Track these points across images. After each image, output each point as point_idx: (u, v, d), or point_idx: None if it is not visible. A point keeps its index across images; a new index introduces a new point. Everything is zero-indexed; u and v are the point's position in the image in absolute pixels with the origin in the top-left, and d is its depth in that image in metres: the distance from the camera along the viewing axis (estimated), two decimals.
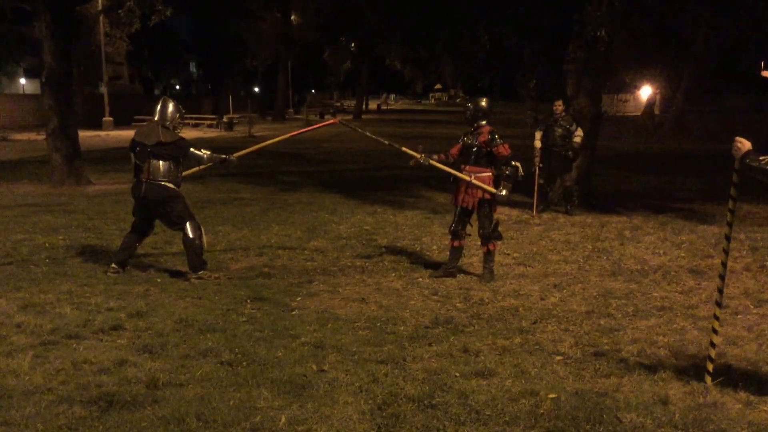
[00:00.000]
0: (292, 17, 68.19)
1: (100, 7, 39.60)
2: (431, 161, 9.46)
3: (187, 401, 5.44)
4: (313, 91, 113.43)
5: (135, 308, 7.77)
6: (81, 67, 46.51)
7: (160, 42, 73.33)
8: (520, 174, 9.19)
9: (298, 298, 8.39)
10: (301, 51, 70.44)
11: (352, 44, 74.93)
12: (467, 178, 9.23)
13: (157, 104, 9.48)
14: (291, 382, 5.82)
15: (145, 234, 9.69)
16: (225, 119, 50.20)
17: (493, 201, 9.32)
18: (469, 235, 9.68)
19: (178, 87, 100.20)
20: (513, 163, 9.10)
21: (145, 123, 9.75)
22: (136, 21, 29.45)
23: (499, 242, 9.62)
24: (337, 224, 13.15)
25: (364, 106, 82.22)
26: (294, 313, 7.83)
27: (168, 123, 9.30)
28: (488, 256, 9.44)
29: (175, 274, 9.42)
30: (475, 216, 9.49)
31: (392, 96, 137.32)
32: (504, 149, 9.15)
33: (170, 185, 9.14)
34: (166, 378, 5.86)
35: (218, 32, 68.52)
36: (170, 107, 9.41)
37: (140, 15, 27.57)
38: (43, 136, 20.69)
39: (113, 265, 9.32)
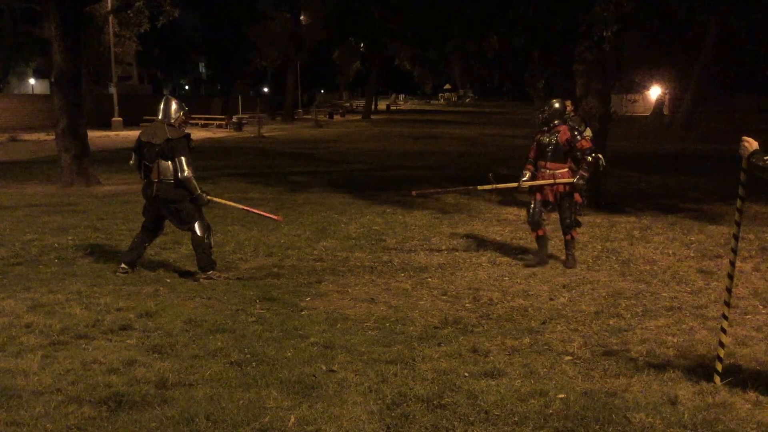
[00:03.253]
0: (302, 17, 68.30)
1: (109, 8, 39.72)
2: (526, 183, 10.19)
3: (196, 401, 5.44)
4: (322, 91, 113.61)
5: (144, 308, 7.78)
6: (90, 68, 46.63)
7: (169, 42, 73.38)
8: (602, 163, 10.42)
9: (308, 299, 8.40)
10: (310, 51, 70.57)
11: (362, 44, 75.03)
12: (551, 182, 9.95)
13: (160, 103, 9.47)
14: (300, 382, 5.82)
15: (155, 234, 9.69)
16: (234, 119, 50.32)
17: (573, 193, 10.02)
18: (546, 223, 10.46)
19: (187, 87, 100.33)
20: (595, 154, 10.01)
21: (149, 124, 9.72)
22: (145, 21, 29.57)
23: (579, 229, 10.48)
24: (347, 224, 13.16)
25: (373, 107, 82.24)
26: (303, 313, 7.84)
27: (173, 121, 9.29)
28: (570, 243, 10.20)
29: (185, 274, 9.44)
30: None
31: (401, 96, 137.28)
32: (587, 142, 9.94)
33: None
34: (176, 378, 5.87)
35: (227, 32, 68.56)
36: (173, 105, 9.40)
37: (149, 15, 27.67)
38: (53, 137, 20.76)
39: (123, 265, 9.33)
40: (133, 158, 9.42)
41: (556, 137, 9.95)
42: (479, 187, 10.99)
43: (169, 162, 9.04)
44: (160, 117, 9.32)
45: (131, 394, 5.54)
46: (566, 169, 9.97)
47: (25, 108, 50.85)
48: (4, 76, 64.02)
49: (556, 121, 10.03)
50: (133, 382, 5.80)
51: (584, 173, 9.87)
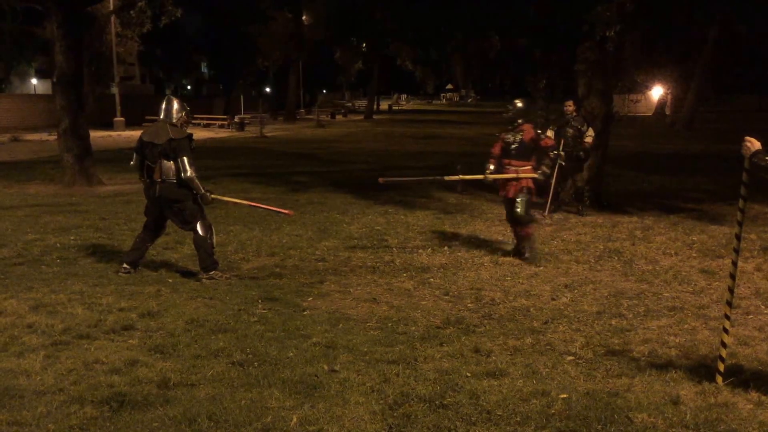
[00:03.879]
0: (304, 17, 68.30)
1: (111, 8, 39.74)
2: (495, 176, 10.48)
3: (198, 401, 5.45)
4: (324, 91, 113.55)
5: (146, 308, 7.79)
6: (92, 68, 46.66)
7: (171, 42, 73.34)
8: (560, 161, 10.82)
9: (310, 299, 8.40)
10: (312, 51, 70.56)
11: (364, 44, 75.00)
12: (515, 176, 10.27)
13: (162, 103, 9.47)
14: (302, 382, 5.83)
15: (157, 234, 9.69)
16: (236, 119, 50.31)
17: (531, 190, 10.36)
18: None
19: (189, 87, 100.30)
20: (556, 152, 10.44)
21: (151, 123, 9.70)
22: (147, 21, 29.54)
23: (534, 224, 10.88)
24: (349, 224, 13.15)
25: (375, 107, 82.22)
26: (305, 313, 7.84)
27: (175, 121, 9.28)
28: (526, 239, 10.44)
29: (187, 274, 9.43)
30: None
31: (404, 96, 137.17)
32: (549, 140, 10.54)
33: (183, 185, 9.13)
34: (178, 378, 5.88)
35: (229, 32, 68.61)
36: (176, 105, 9.39)
37: (151, 15, 27.66)
38: (55, 137, 20.76)
39: (125, 265, 9.33)
40: (134, 158, 9.40)
41: (521, 136, 10.30)
42: (446, 177, 11.12)
43: (172, 162, 9.03)
44: (162, 117, 9.31)
45: (133, 394, 5.55)
46: (530, 167, 10.33)
47: (27, 108, 50.86)
48: (6, 76, 64.14)
49: (519, 120, 10.41)
50: (135, 382, 5.82)
51: (546, 169, 10.36)
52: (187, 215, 9.20)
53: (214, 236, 9.48)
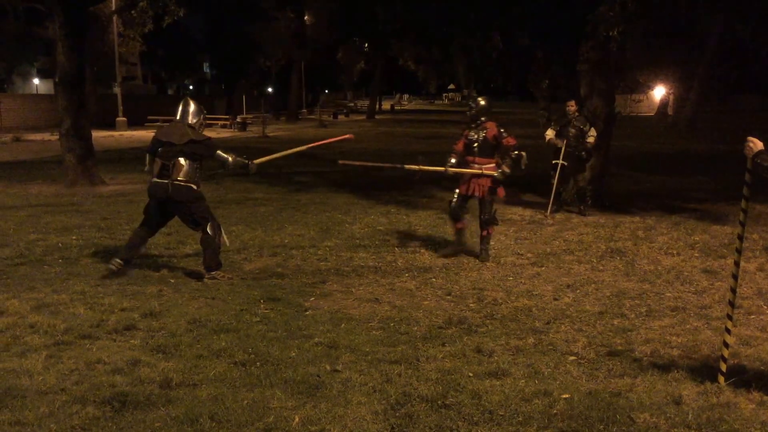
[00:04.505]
0: (306, 17, 68.29)
1: (113, 8, 39.73)
2: (456, 170, 10.46)
3: (200, 401, 5.45)
4: (326, 91, 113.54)
5: (148, 308, 7.78)
6: (95, 68, 46.70)
7: (173, 42, 73.43)
8: (524, 162, 10.33)
9: (312, 299, 8.40)
10: (314, 51, 70.55)
11: (366, 44, 74.97)
12: (479, 172, 10.27)
13: (179, 104, 9.43)
14: (304, 382, 5.83)
15: (154, 232, 9.63)
16: (238, 119, 50.27)
17: (496, 190, 10.36)
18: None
19: (191, 87, 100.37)
20: (520, 152, 10.26)
21: (165, 123, 9.64)
22: (149, 21, 29.50)
23: (495, 227, 10.82)
24: (351, 224, 13.15)
25: (377, 107, 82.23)
26: (307, 313, 7.84)
27: (194, 123, 9.26)
28: (486, 239, 10.55)
29: (189, 274, 9.42)
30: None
31: (406, 96, 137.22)
32: (512, 140, 10.31)
33: (194, 186, 9.08)
34: (180, 378, 5.88)
35: (232, 32, 68.58)
36: (194, 107, 9.36)
37: (153, 15, 27.62)
38: (57, 137, 20.75)
39: (117, 260, 9.15)
40: (148, 161, 9.34)
41: (484, 133, 10.36)
42: (406, 166, 11.16)
43: (186, 162, 8.99)
44: (178, 117, 9.28)
45: (135, 394, 5.55)
46: (493, 165, 10.34)
47: (29, 108, 50.84)
48: (8, 76, 64.17)
49: (483, 118, 10.46)
50: (137, 382, 5.82)
51: (506, 168, 10.23)
52: (197, 217, 9.15)
53: (224, 235, 9.46)
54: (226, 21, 69.12)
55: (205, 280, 9.06)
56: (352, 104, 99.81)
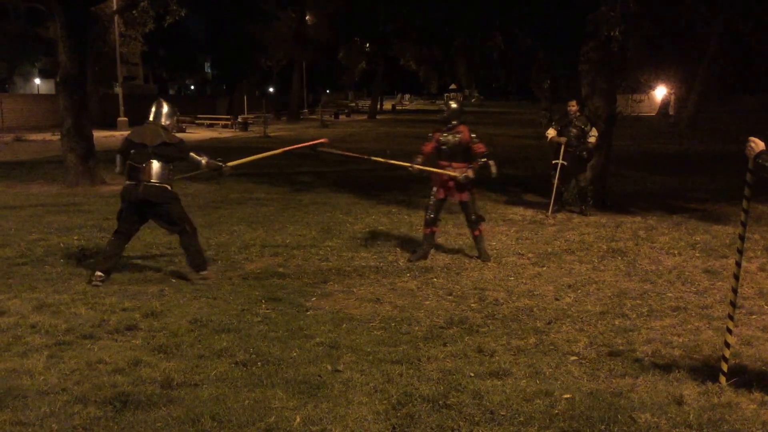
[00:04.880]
0: (307, 17, 68.28)
1: (115, 8, 39.76)
2: (421, 167, 10.36)
3: (201, 401, 5.45)
4: (327, 91, 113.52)
5: (149, 308, 7.79)
6: (96, 68, 46.68)
7: (174, 42, 73.36)
8: (493, 171, 10.40)
9: (313, 299, 8.40)
10: (315, 51, 70.54)
11: (367, 44, 74.94)
12: (443, 172, 10.30)
13: (152, 106, 9.28)
14: (305, 382, 5.83)
15: (130, 237, 9.36)
16: (240, 119, 50.29)
17: (472, 191, 10.44)
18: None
19: (192, 87, 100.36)
20: (486, 159, 10.28)
21: (139, 126, 9.40)
22: (150, 21, 29.53)
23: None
24: (352, 224, 13.15)
25: (378, 107, 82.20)
26: (309, 313, 7.84)
27: (167, 124, 9.13)
28: (479, 238, 10.60)
29: (191, 274, 9.38)
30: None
31: (407, 96, 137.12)
32: (482, 147, 10.31)
33: (168, 187, 8.92)
34: (181, 378, 5.88)
35: (233, 32, 68.56)
36: (167, 108, 9.21)
37: (155, 15, 27.65)
38: (58, 137, 20.74)
39: (98, 274, 8.90)
40: (118, 161, 9.18)
41: (458, 137, 10.31)
42: (372, 158, 11.36)
43: (159, 164, 8.84)
44: (151, 118, 9.13)
45: (136, 394, 5.56)
46: (464, 168, 10.29)
47: (30, 108, 50.86)
48: (9, 77, 64.10)
49: (455, 122, 10.38)
50: (138, 382, 5.82)
51: (470, 174, 10.18)
52: (174, 218, 9.02)
53: (199, 237, 9.36)
54: (227, 21, 69.09)
55: (197, 281, 8.99)
56: (353, 104, 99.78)
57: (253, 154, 10.78)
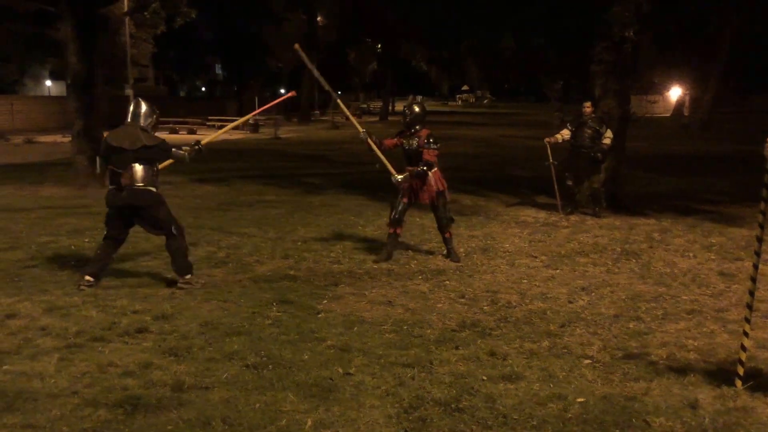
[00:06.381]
0: (317, 18, 68.33)
1: (125, 9, 39.84)
2: (370, 141, 10.50)
3: (212, 404, 5.43)
4: (338, 92, 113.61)
5: (160, 311, 7.77)
6: (106, 69, 46.75)
7: (185, 44, 73.53)
8: (401, 177, 10.41)
9: (324, 301, 8.36)
10: (326, 52, 70.57)
11: (378, 45, 74.99)
12: (386, 164, 10.41)
13: (130, 105, 9.04)
14: (317, 385, 5.80)
15: (120, 242, 9.23)
16: (250, 121, 50.25)
17: (444, 194, 10.46)
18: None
19: (203, 89, 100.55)
20: (426, 168, 10.27)
21: (117, 128, 9.21)
22: (161, 23, 29.60)
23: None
24: (363, 227, 13.12)
25: (390, 108, 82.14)
26: (320, 316, 7.81)
27: (146, 125, 8.89)
28: (449, 240, 10.64)
29: (200, 276, 9.34)
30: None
31: (419, 98, 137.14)
32: (430, 155, 10.31)
33: (153, 189, 8.75)
34: (192, 381, 5.86)
35: (243, 34, 68.66)
36: (145, 108, 8.96)
37: (165, 17, 27.72)
38: (68, 139, 20.76)
39: (87, 278, 8.82)
40: (99, 164, 9.04)
41: (416, 141, 10.41)
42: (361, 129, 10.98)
43: (142, 167, 8.65)
44: (129, 119, 8.89)
45: (147, 397, 5.55)
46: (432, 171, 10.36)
47: (40, 110, 51.05)
48: (19, 78, 64.31)
49: (417, 126, 10.50)
50: (149, 385, 5.81)
51: (399, 177, 10.30)
52: (159, 221, 8.86)
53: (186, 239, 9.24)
54: (237, 23, 69.23)
55: (180, 285, 8.80)
56: (364, 105, 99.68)
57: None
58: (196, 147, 9.35)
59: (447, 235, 10.61)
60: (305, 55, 11.07)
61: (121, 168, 8.65)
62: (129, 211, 8.83)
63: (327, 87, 10.96)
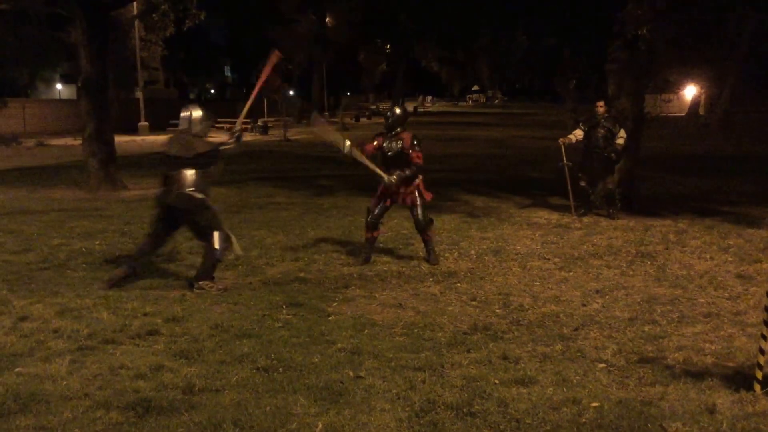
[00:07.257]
0: (327, 19, 68.42)
1: (135, 12, 39.92)
2: (357, 152, 10.28)
3: (223, 407, 5.41)
4: (348, 93, 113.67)
5: (171, 313, 7.75)
6: (117, 72, 46.86)
7: (194, 46, 73.77)
8: (393, 179, 10.23)
9: (335, 304, 8.33)
10: (336, 53, 70.68)
11: (388, 46, 75.03)
12: (382, 175, 10.22)
13: (183, 112, 9.08)
14: (327, 388, 5.77)
15: (161, 241, 9.37)
16: (260, 123, 50.30)
17: (423, 196, 10.40)
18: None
19: (213, 91, 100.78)
20: (413, 172, 10.23)
21: (173, 135, 9.26)
22: (171, 25, 29.60)
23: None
24: None
25: None
26: (330, 318, 7.77)
27: (199, 131, 8.98)
28: (429, 242, 10.54)
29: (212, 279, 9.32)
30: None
31: (429, 98, 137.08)
32: (417, 158, 10.23)
33: (199, 195, 8.82)
34: (203, 383, 5.84)
35: (253, 35, 68.76)
36: (199, 114, 9.01)
37: (174, 19, 27.70)
38: (80, 142, 20.80)
39: (117, 271, 9.07)
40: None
41: (400, 144, 10.27)
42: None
43: (192, 171, 8.78)
44: (184, 127, 8.99)
45: (158, 399, 5.54)
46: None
47: (52, 113, 51.18)
48: (31, 82, 64.52)
49: (398, 129, 10.40)
50: (160, 387, 5.80)
51: (393, 179, 10.16)
52: (201, 226, 8.95)
53: (236, 243, 9.29)
54: (247, 24, 69.36)
55: (195, 288, 8.81)
56: (374, 107, 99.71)
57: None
58: (236, 134, 9.31)
59: (426, 237, 10.51)
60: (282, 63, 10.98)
61: (173, 171, 8.84)
62: (175, 213, 8.95)
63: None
